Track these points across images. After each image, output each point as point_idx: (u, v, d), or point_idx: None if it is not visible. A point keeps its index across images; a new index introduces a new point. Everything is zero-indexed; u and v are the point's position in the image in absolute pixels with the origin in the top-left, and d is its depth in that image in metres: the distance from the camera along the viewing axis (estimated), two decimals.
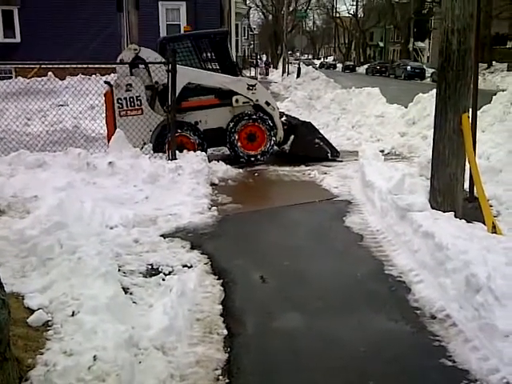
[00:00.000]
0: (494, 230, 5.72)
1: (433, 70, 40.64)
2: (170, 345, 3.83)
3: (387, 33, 73.69)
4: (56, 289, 4.08)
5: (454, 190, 6.29)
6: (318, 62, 60.74)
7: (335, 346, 4.06)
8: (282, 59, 46.62)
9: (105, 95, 9.69)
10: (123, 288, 4.54)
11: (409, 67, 46.55)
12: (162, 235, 6.23)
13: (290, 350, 4.00)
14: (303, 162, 10.07)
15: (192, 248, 5.90)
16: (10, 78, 20.40)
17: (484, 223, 6.24)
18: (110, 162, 7.91)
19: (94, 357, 3.16)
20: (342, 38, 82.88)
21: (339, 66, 68.19)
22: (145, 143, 9.50)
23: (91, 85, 10.72)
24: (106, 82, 10.00)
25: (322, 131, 11.43)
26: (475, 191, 7.34)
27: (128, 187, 7.59)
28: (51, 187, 6.93)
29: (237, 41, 30.24)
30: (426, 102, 12.14)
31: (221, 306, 4.61)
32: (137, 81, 9.55)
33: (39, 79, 15.10)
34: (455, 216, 5.91)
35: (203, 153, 9.33)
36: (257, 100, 10.21)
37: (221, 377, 3.63)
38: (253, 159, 10.26)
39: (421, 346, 4.06)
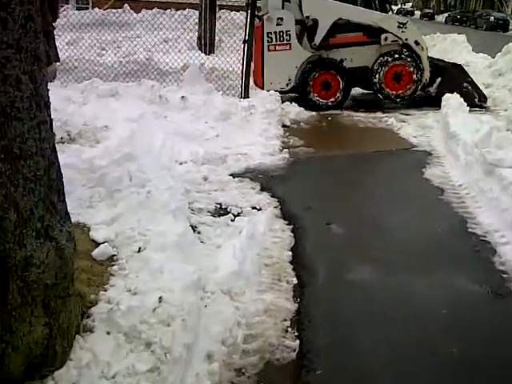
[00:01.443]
0: None
1: None
2: (237, 290, 3.59)
3: None
4: (123, 222, 3.87)
5: None
6: (395, 8, 57.95)
7: (413, 304, 3.71)
8: None
9: (255, 29, 9.28)
10: (191, 226, 4.32)
11: (492, 17, 43.70)
12: (231, 174, 5.97)
13: (364, 304, 3.68)
14: (380, 108, 9.49)
15: (262, 190, 5.61)
16: (87, 8, 20.32)
17: None
18: (183, 97, 7.64)
19: (160, 298, 2.94)
20: None
21: (417, 13, 64.85)
22: (290, 79, 9.36)
23: (165, 19, 10.41)
24: (257, 16, 9.61)
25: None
26: None
27: (199, 123, 7.32)
28: (122, 118, 6.73)
29: None
30: None
31: (290, 253, 4.32)
32: (289, 14, 9.22)
33: (114, 11, 14.87)
34: None
35: (277, 92, 8.91)
36: (406, 39, 9.64)
37: (289, 328, 3.37)
38: (398, 100, 9.79)
39: (509, 314, 3.66)
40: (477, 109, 9.16)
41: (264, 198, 5.38)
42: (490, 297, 3.87)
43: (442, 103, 8.09)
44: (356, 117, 8.99)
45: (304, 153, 6.99)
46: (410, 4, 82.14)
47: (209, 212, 4.90)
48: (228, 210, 4.99)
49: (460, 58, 12.39)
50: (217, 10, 13.95)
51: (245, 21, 9.06)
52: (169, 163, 5.67)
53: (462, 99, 8.06)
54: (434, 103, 9.57)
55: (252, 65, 9.44)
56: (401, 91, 9.76)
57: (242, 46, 8.90)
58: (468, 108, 8.02)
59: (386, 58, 9.57)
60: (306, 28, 9.35)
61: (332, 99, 9.47)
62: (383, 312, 3.59)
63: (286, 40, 9.19)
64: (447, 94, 8.22)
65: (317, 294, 3.79)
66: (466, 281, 4.04)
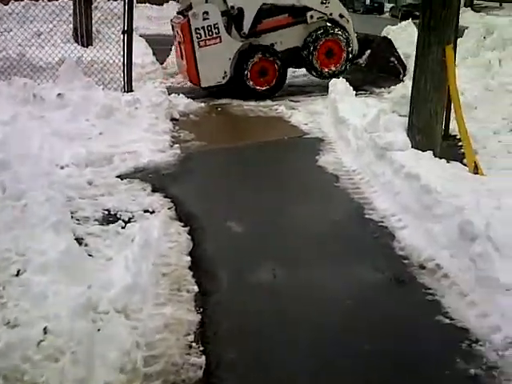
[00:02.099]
0: (476, 170, 5.35)
1: (392, 5, 39.83)
2: (133, 306, 3.30)
3: None
4: None
5: (433, 128, 5.86)
6: None
7: (320, 300, 3.62)
8: None
9: (181, 27, 9.06)
10: (77, 239, 3.97)
11: (368, 0, 45.42)
12: (118, 176, 5.62)
13: (271, 308, 3.53)
14: (269, 96, 9.42)
15: (153, 191, 5.32)
16: None
17: (461, 162, 5.89)
18: (60, 94, 7.11)
19: (45, 329, 2.61)
20: None
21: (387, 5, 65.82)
22: (225, 72, 9.18)
23: (37, 10, 9.71)
24: (178, 13, 9.52)
25: None
26: (450, 128, 6.98)
27: (79, 121, 6.84)
28: None
29: None
30: (395, 35, 11.57)
31: (189, 258, 4.08)
32: (213, 7, 9.05)
33: None
34: (434, 155, 5.49)
35: (163, 84, 8.59)
36: (331, 14, 9.73)
37: (194, 343, 3.14)
38: (331, 76, 9.63)
39: (413, 300, 3.66)
40: (361, 92, 9.32)
41: (156, 199, 5.09)
42: (393, 284, 3.86)
43: (330, 88, 8.12)
44: (246, 106, 8.85)
45: (196, 147, 6.75)
46: None
47: (96, 220, 4.55)
48: (117, 216, 4.67)
49: None
50: None
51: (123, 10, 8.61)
52: (48, 168, 5.23)
53: (347, 83, 8.13)
54: (323, 89, 9.68)
55: (183, 63, 9.36)
56: (334, 67, 9.91)
57: (122, 36, 8.45)
58: (354, 92, 8.12)
59: (314, 35, 9.63)
60: (233, 18, 9.22)
61: (270, 85, 9.45)
62: (291, 314, 3.46)
63: (216, 33, 9.05)
64: (333, 79, 8.28)
65: (220, 301, 3.58)
66: (368, 270, 4.02)
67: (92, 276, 3.45)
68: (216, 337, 3.22)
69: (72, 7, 12.69)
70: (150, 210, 4.85)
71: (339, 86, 7.97)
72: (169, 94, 8.64)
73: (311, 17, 9.61)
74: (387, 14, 40.35)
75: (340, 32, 9.75)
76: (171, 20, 10.27)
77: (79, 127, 6.64)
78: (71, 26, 12.43)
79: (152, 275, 3.70)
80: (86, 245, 4.02)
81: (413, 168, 4.91)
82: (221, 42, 9.10)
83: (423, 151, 5.48)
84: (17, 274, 3.16)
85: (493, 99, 7.69)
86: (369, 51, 10.49)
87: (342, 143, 6.71)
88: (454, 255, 3.96)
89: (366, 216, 4.84)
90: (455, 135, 6.94)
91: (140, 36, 14.52)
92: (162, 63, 11.84)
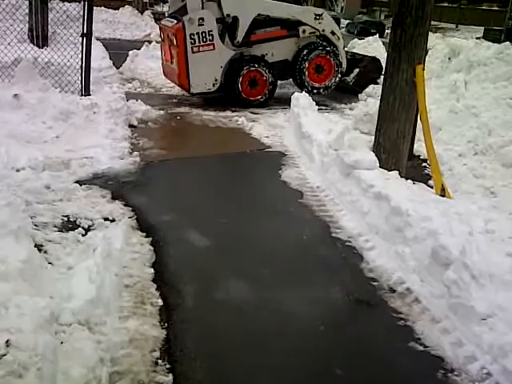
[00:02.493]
0: (443, 192, 5.44)
1: (348, 21, 40.50)
2: (96, 319, 3.16)
3: None
4: None
5: (400, 147, 5.95)
6: None
7: (288, 321, 3.57)
8: None
9: (175, 31, 9.01)
10: (36, 245, 3.80)
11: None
12: (77, 181, 5.44)
13: (238, 325, 3.47)
14: (228, 107, 9.37)
15: (113, 198, 5.16)
16: None
17: (426, 183, 5.99)
18: (16, 95, 6.84)
19: (7, 342, 2.45)
20: None
21: None
22: (216, 80, 9.18)
23: None
24: (171, 16, 9.51)
25: None
26: (414, 149, 7.09)
27: (36, 124, 6.60)
28: None
29: None
30: (360, 49, 11.76)
31: (152, 270, 3.97)
32: (209, 14, 9.05)
33: None
34: (400, 175, 5.55)
35: (121, 89, 8.42)
36: (323, 30, 9.84)
37: (160, 360, 3.04)
38: (319, 91, 10.03)
39: (384, 324, 3.64)
40: (323, 107, 9.39)
41: (117, 207, 4.95)
42: (363, 307, 3.83)
43: (292, 102, 8.13)
44: (206, 116, 8.75)
45: (156, 155, 6.61)
46: None
47: (55, 227, 4.38)
48: (77, 223, 4.51)
49: None
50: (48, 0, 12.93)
51: (82, 13, 8.40)
52: (4, 171, 5.02)
53: (310, 98, 8.16)
54: (283, 102, 9.71)
55: (173, 67, 9.35)
56: (323, 82, 10.08)
57: (81, 39, 8.24)
58: (317, 107, 8.15)
59: (305, 50, 9.79)
60: (227, 26, 9.27)
61: (260, 95, 9.53)
62: (257, 335, 3.40)
63: (209, 40, 9.07)
64: (296, 93, 8.28)
65: (186, 316, 3.48)
66: (336, 292, 3.98)
67: (54, 286, 3.29)
68: (183, 354, 3.12)
69: (27, 7, 12.35)
70: (111, 218, 4.71)
71: (302, 101, 7.98)
72: (127, 100, 8.48)
73: (303, 31, 9.75)
74: (343, 30, 41.09)
75: (330, 48, 9.92)
76: (160, 23, 10.27)
77: (36, 130, 6.41)
78: (27, 25, 12.06)
79: (115, 287, 3.56)
80: (45, 252, 3.86)
81: (382, 188, 4.92)
82: (214, 49, 9.13)
83: (389, 171, 5.53)
84: None
85: (458, 121, 7.84)
86: (357, 70, 10.70)
87: (305, 158, 6.71)
88: (426, 280, 3.98)
89: (333, 235, 4.82)
90: (418, 155, 7.08)
91: (96, 39, 14.25)
92: (118, 68, 11.63)
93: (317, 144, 6.47)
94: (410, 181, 5.43)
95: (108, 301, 3.36)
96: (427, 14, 5.57)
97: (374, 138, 6.16)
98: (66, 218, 4.55)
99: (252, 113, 9.12)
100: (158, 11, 27.39)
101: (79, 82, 8.21)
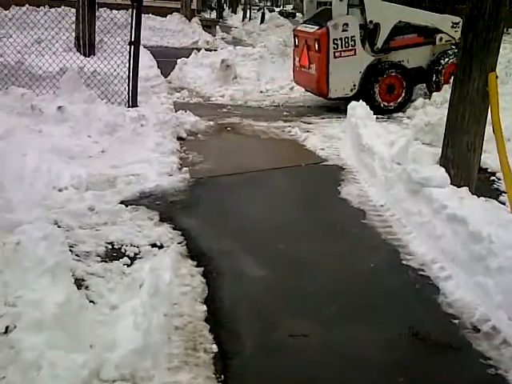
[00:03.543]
0: None
1: None
2: (143, 373, 2.75)
3: None
4: None
5: (470, 161, 5.38)
6: (277, 10, 58.41)
7: (359, 369, 3.07)
8: (242, 4, 44.58)
9: (319, 37, 9.19)
10: (76, 279, 3.42)
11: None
12: (122, 202, 5.07)
13: (304, 375, 2.99)
14: (280, 117, 8.92)
15: (161, 220, 4.77)
16: None
17: (497, 200, 5.43)
18: (60, 107, 6.56)
19: None
20: None
21: (299, 15, 65.95)
22: (354, 85, 9.35)
23: (37, 16, 9.18)
24: (307, 23, 9.81)
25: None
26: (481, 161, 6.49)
27: (81, 138, 6.30)
28: None
29: None
30: None
31: (205, 307, 3.52)
32: (353, 20, 9.23)
33: None
34: (470, 191, 4.98)
35: (171, 99, 8.07)
36: (459, 38, 9.69)
37: None
38: None
39: (471, 373, 3.11)
40: (378, 116, 8.85)
41: (165, 231, 4.54)
42: (446, 351, 3.30)
43: (349, 112, 7.63)
44: (257, 126, 8.32)
45: (206, 171, 6.19)
46: (291, 6, 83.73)
47: (98, 256, 4.00)
48: (122, 250, 4.13)
49: None
50: (96, 7, 12.76)
51: (129, 20, 8.11)
52: (45, 191, 4.69)
53: (368, 107, 7.64)
54: (334, 110, 9.25)
55: (309, 72, 9.52)
56: None
57: (128, 47, 7.94)
58: (375, 117, 7.63)
59: (442, 57, 9.85)
60: (368, 32, 9.36)
61: (396, 101, 9.59)
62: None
63: (351, 46, 9.20)
64: (353, 102, 7.78)
65: (244, 368, 3.02)
66: (412, 332, 3.44)
67: (95, 332, 2.89)
68: None
69: (75, 15, 12.21)
70: (158, 243, 4.31)
71: (359, 110, 7.47)
72: (175, 111, 8.15)
73: (440, 39, 9.91)
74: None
75: None
76: (294, 29, 10.59)
77: (80, 144, 6.09)
78: (73, 34, 11.90)
79: (163, 330, 3.14)
80: (86, 287, 3.46)
81: (457, 209, 4.37)
82: (355, 54, 9.22)
83: (458, 187, 4.98)
84: (5, 332, 2.60)
85: None
86: None
87: (365, 173, 6.18)
88: None
89: (403, 262, 4.30)
90: (486, 168, 6.48)
91: (143, 47, 14.06)
92: (165, 77, 11.35)
93: (378, 157, 5.95)
94: (481, 199, 4.86)
95: (156, 349, 2.94)
96: (501, 18, 5.04)
97: (439, 150, 5.61)
98: (110, 246, 4.16)
99: (305, 122, 8.67)
100: (206, 18, 27.28)
101: (126, 93, 7.90)
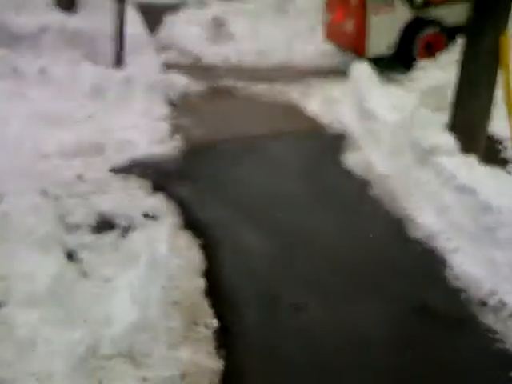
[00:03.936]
0: None
1: None
2: (141, 348, 2.82)
3: None
4: None
5: (480, 128, 5.38)
6: None
7: (366, 346, 3.18)
8: None
9: None
10: (69, 253, 3.46)
11: None
12: (112, 169, 5.10)
13: (307, 352, 3.07)
14: (278, 78, 8.88)
15: (155, 190, 4.81)
16: None
17: (504, 169, 5.47)
18: (42, 68, 6.52)
19: None
20: None
21: None
22: (393, 42, 9.12)
23: None
24: None
25: (294, 41, 10.41)
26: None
27: (66, 101, 6.29)
28: None
29: None
30: None
31: (203, 280, 3.60)
32: None
33: None
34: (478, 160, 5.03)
35: (160, 59, 8.01)
36: None
37: None
38: None
39: (477, 346, 3.21)
40: (382, 78, 8.83)
41: (159, 201, 4.60)
42: (453, 325, 3.40)
43: (351, 74, 7.60)
44: (255, 89, 8.27)
45: (200, 137, 6.20)
46: None
47: (89, 227, 4.04)
48: (114, 222, 4.17)
49: None
50: None
51: None
52: (31, 160, 4.70)
53: (371, 69, 7.62)
54: (336, 72, 9.22)
55: (345, 28, 9.40)
56: None
57: (114, 4, 7.85)
58: (377, 79, 7.61)
59: None
60: None
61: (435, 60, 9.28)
62: (332, 364, 3.01)
63: (390, 1, 9.04)
64: (355, 63, 7.76)
65: (246, 343, 3.11)
66: (419, 305, 3.54)
67: (90, 307, 2.95)
68: None
69: None
70: (152, 214, 4.35)
71: (362, 72, 7.46)
72: (165, 72, 8.10)
73: None
74: None
75: None
76: None
77: (65, 108, 6.09)
78: None
79: (162, 304, 3.21)
80: (79, 260, 3.51)
81: (467, 180, 4.43)
82: (394, 10, 9.04)
83: (466, 155, 5.03)
84: None
85: None
86: None
87: (370, 140, 6.19)
88: None
89: (410, 233, 4.37)
90: (492, 136, 6.51)
91: (129, 2, 13.86)
92: (154, 35, 11.22)
93: (383, 123, 5.96)
94: (490, 168, 4.91)
95: (154, 323, 3.01)
96: None
97: (446, 115, 5.63)
98: (101, 216, 4.20)
99: (305, 85, 8.60)
100: None
101: (112, 52, 7.84)
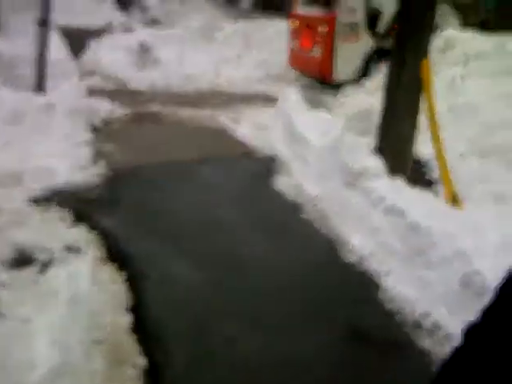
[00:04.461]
0: (454, 202, 5.00)
1: None
2: None
3: None
4: None
5: (405, 151, 5.49)
6: None
7: (303, 374, 3.05)
8: None
9: (326, 20, 9.84)
10: None
11: None
12: (31, 200, 4.83)
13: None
14: (208, 103, 8.80)
15: (77, 221, 4.57)
16: None
17: (430, 190, 5.56)
18: None
19: None
20: None
21: None
22: (357, 68, 9.83)
23: None
24: (306, 6, 10.47)
25: (221, 67, 10.52)
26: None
27: None
28: None
29: None
30: None
31: (130, 316, 3.39)
32: (359, 6, 9.85)
33: None
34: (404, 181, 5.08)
35: (83, 84, 7.79)
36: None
37: None
38: None
39: (417, 371, 3.13)
40: (311, 104, 8.89)
41: (81, 233, 4.36)
42: (388, 349, 3.34)
43: (280, 99, 7.61)
44: (182, 114, 8.15)
45: (125, 163, 5.98)
46: None
47: (6, 262, 3.76)
48: (33, 256, 3.91)
49: (285, 48, 12.13)
50: None
51: None
52: None
53: (299, 95, 7.65)
54: (263, 97, 9.24)
55: (311, 55, 10.06)
56: None
57: (36, 27, 7.58)
58: (305, 104, 7.64)
59: None
60: (372, 18, 9.86)
61: None
62: None
63: (356, 31, 9.82)
64: (285, 89, 7.78)
65: (178, 380, 2.93)
66: (353, 330, 3.48)
67: (8, 351, 2.71)
68: None
69: None
70: (74, 247, 4.11)
71: (291, 97, 7.47)
72: (88, 98, 7.87)
73: None
74: None
75: None
76: (291, 13, 11.00)
77: None
78: None
79: (84, 345, 2.99)
80: None
81: (395, 201, 4.44)
82: (359, 39, 9.74)
83: (393, 177, 5.07)
84: None
85: (457, 119, 7.42)
86: None
87: (299, 163, 6.17)
88: (454, 311, 3.51)
89: (342, 256, 4.32)
90: (417, 159, 6.62)
91: (53, 27, 13.53)
92: (77, 60, 10.95)
93: (312, 147, 5.96)
94: (417, 189, 4.97)
95: (77, 365, 2.79)
96: (435, 2, 5.16)
97: (373, 139, 5.70)
98: (18, 251, 3.93)
99: (234, 110, 8.58)
100: None
101: (33, 77, 7.55)
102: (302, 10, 10.83)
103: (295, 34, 10.79)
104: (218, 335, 3.30)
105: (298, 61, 10.78)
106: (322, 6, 10.15)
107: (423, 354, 3.28)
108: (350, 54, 9.73)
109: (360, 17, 9.84)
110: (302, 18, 10.56)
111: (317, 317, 3.60)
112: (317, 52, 9.98)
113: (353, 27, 9.85)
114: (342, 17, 9.72)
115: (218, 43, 12.53)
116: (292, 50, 10.90)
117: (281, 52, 11.31)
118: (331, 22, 9.72)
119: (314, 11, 10.22)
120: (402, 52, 5.21)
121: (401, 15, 5.31)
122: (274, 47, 12.08)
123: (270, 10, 16.48)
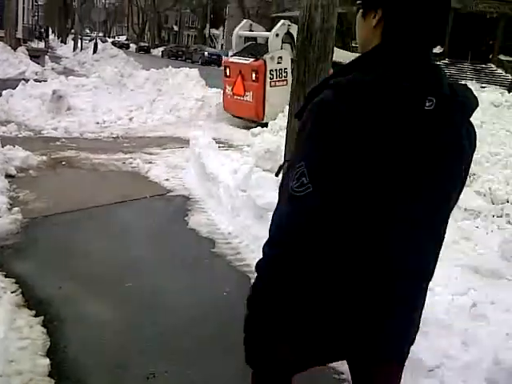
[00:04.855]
0: None
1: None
2: None
3: (182, 17, 73.28)
4: None
5: None
6: (110, 40, 57.63)
7: None
8: (72, 33, 43.42)
9: (257, 67, 10.49)
10: None
11: (206, 53, 46.67)
12: None
13: None
14: (121, 149, 8.68)
15: None
16: None
17: None
18: None
19: None
20: (136, 18, 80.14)
21: (133, 46, 65.56)
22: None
23: None
24: (237, 55, 11.16)
25: (134, 113, 10.49)
26: None
27: None
28: None
29: (23, 9, 26.98)
30: None
31: (47, 360, 3.21)
32: (286, 54, 10.68)
33: None
34: None
35: None
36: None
37: None
38: None
39: None
40: (220, 145, 8.97)
41: None
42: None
43: (191, 141, 7.64)
44: (96, 159, 8.01)
45: (41, 210, 5.77)
46: (125, 37, 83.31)
47: None
48: None
49: (194, 93, 12.23)
50: None
51: None
52: None
53: (210, 137, 7.71)
54: (175, 140, 9.25)
55: (244, 99, 10.78)
56: None
57: None
58: (217, 146, 7.71)
59: None
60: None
61: None
62: None
63: (284, 76, 10.60)
64: (195, 132, 7.82)
65: None
66: None
67: None
68: None
69: None
70: None
71: (202, 140, 7.51)
72: (2, 146, 7.58)
73: None
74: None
75: None
76: (225, 61, 11.77)
77: None
78: None
79: None
80: None
81: None
82: (287, 84, 10.18)
83: None
84: None
85: None
86: None
87: (212, 202, 6.19)
88: None
89: None
90: None
91: None
92: None
93: (223, 186, 6.00)
94: None
95: None
96: (329, 49, 5.36)
97: (279, 176, 5.77)
98: None
99: (147, 153, 8.52)
100: (33, 47, 26.16)
101: None
102: (233, 58, 11.35)
103: (228, 80, 11.26)
104: (135, 372, 3.19)
105: (231, 105, 11.27)
106: (248, 54, 10.74)
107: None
108: (280, 96, 9.99)
109: (287, 64, 10.48)
110: (233, 66, 11.03)
111: (235, 348, 3.51)
112: (249, 96, 10.59)
113: (281, 73, 10.52)
114: (271, 64, 10.42)
115: (130, 90, 12.46)
116: (226, 95, 11.35)
117: (190, 97, 11.40)
118: (261, 68, 10.36)
119: (244, 59, 10.76)
120: (302, 95, 5.32)
121: (299, 60, 5.38)
122: (184, 93, 12.17)
123: (177, 58, 16.65)
